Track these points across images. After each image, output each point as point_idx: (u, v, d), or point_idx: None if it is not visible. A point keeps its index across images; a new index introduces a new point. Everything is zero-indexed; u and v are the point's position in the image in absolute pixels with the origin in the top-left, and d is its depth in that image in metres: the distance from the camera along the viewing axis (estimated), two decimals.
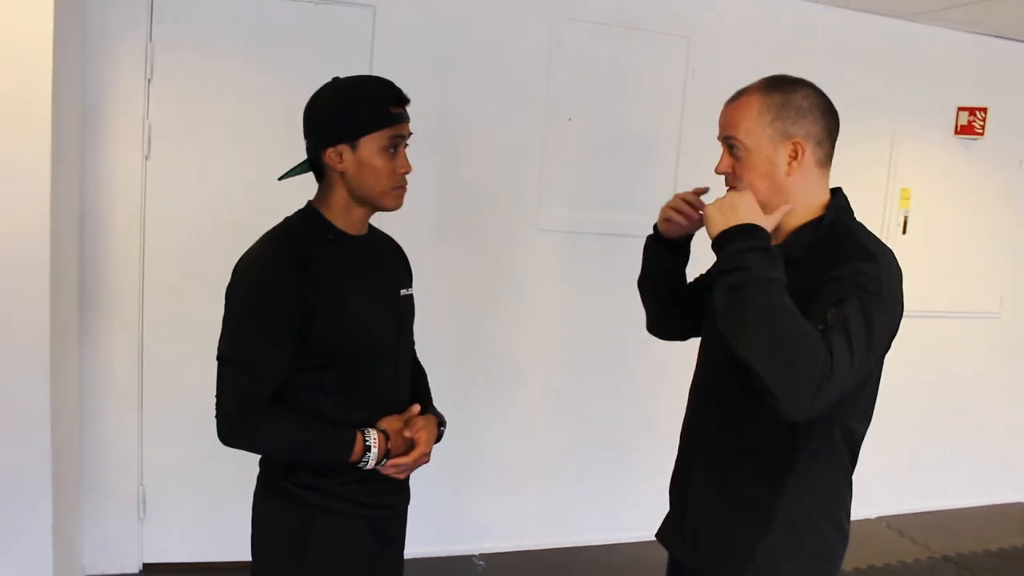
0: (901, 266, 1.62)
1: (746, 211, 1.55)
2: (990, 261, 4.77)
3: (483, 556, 3.85)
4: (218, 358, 1.71)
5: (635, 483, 4.08)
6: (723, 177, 1.73)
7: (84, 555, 3.28)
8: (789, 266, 1.59)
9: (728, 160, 1.69)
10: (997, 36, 4.52)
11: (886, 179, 4.42)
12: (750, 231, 1.52)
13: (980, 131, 4.46)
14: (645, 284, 2.04)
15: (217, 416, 1.69)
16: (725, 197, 1.61)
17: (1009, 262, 4.83)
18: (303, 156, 1.82)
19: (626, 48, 3.82)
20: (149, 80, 3.14)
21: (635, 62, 3.85)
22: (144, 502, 3.34)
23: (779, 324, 1.41)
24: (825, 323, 1.43)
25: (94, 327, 3.21)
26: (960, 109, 4.49)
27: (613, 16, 3.77)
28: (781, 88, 1.65)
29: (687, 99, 3.93)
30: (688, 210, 1.86)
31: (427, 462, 1.84)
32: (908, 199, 4.46)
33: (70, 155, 2.93)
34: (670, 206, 1.89)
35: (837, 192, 1.72)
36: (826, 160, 1.69)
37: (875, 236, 1.66)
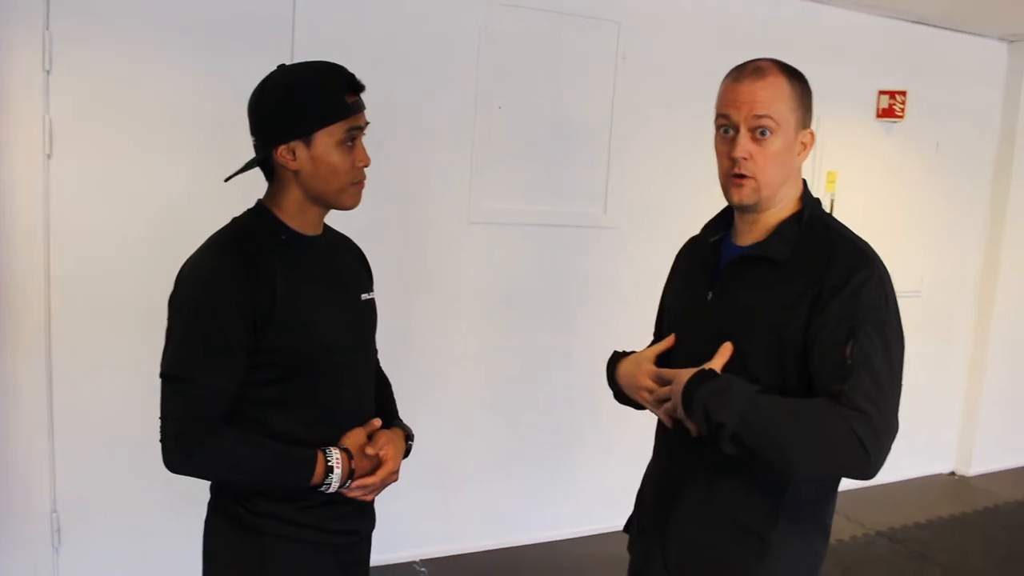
0: None
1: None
2: (911, 241, 4.88)
3: (424, 562, 3.73)
4: (162, 375, 1.53)
5: (576, 479, 4.04)
6: (718, 160, 1.59)
7: None
8: (772, 265, 1.53)
9: (749, 144, 1.52)
10: (915, 21, 4.61)
11: (812, 162, 4.45)
12: (698, 384, 1.47)
13: (900, 114, 4.55)
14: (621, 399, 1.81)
15: (162, 440, 1.52)
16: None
17: (928, 242, 4.96)
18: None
19: (556, 33, 3.72)
20: (48, 72, 2.86)
21: (565, 47, 3.76)
22: (59, 530, 3.09)
23: (791, 435, 1.40)
24: (844, 359, 1.40)
25: None
26: (881, 93, 4.57)
27: (543, 0, 3.66)
28: (796, 74, 1.58)
29: (617, 84, 3.86)
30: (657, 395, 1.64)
31: (396, 480, 1.70)
32: (834, 182, 4.51)
33: None
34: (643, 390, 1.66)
35: (803, 182, 1.65)
36: None
37: (849, 228, 1.60)
